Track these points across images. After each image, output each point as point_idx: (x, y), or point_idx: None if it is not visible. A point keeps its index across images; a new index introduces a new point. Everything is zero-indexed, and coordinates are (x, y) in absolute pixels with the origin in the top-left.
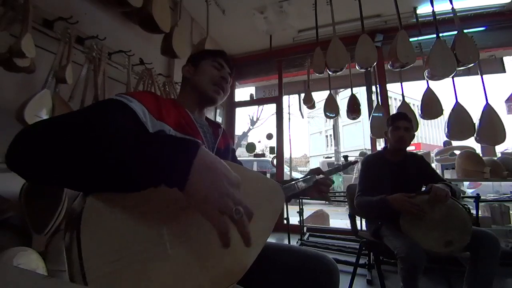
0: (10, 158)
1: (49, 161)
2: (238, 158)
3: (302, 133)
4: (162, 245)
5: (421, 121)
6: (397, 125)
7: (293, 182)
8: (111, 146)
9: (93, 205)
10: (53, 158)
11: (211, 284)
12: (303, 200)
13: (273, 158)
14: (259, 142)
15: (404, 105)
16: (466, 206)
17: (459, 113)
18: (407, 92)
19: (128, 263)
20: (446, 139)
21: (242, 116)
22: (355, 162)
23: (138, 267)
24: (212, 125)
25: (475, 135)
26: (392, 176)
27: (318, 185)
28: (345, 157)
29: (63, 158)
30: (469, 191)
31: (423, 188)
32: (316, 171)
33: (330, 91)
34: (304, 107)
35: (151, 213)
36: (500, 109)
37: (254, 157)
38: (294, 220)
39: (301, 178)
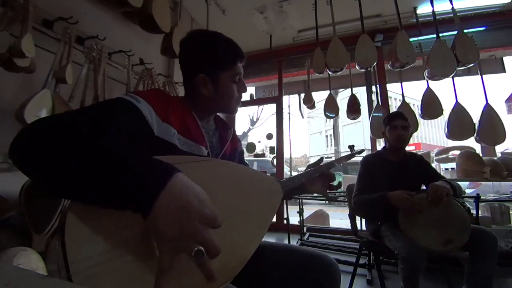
0: (11, 152)
1: (45, 159)
2: None
3: (302, 133)
4: (150, 246)
5: (421, 121)
6: (394, 124)
7: (294, 176)
8: (100, 155)
9: (75, 211)
10: (48, 157)
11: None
12: (303, 200)
13: (273, 158)
14: (259, 142)
15: (404, 105)
16: (464, 204)
17: (459, 113)
18: (407, 92)
19: (112, 264)
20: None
21: (242, 116)
22: (362, 151)
23: (126, 267)
24: (221, 127)
25: (475, 135)
26: (391, 176)
27: (321, 178)
28: (351, 146)
29: (56, 159)
30: (469, 191)
31: (424, 188)
32: (319, 164)
33: (330, 91)
34: (304, 107)
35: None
36: (500, 109)
37: (254, 157)
38: (294, 220)
39: (303, 171)
